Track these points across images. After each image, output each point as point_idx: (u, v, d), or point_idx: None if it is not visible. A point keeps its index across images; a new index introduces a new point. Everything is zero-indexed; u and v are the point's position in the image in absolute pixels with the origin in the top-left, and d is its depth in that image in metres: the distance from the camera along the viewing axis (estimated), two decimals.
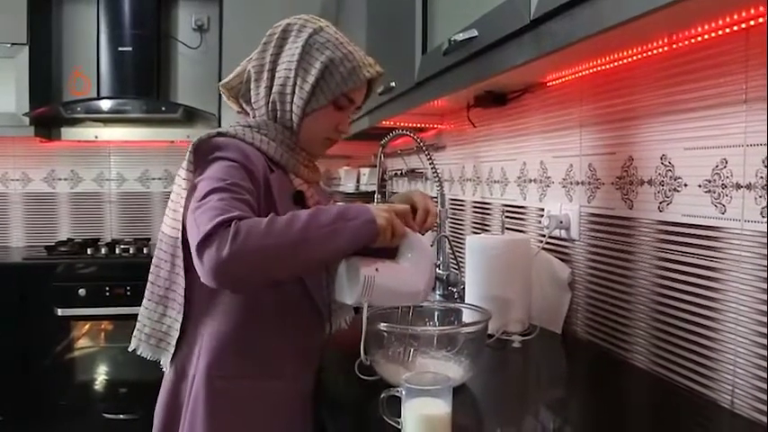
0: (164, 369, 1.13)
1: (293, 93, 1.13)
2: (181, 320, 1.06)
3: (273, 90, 1.14)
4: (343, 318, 1.23)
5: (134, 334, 1.11)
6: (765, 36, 0.89)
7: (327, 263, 1.03)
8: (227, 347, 1.07)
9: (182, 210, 1.03)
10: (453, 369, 1.08)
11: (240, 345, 1.07)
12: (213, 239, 0.88)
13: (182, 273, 1.05)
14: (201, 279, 0.92)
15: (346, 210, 0.97)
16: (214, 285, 0.91)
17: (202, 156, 1.06)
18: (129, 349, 1.11)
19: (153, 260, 1.10)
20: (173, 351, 1.08)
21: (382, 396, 0.90)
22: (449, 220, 2.30)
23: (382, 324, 1.08)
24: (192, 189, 1.02)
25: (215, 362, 1.06)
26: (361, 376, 1.09)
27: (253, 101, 1.17)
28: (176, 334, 1.07)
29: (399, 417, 0.88)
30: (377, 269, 1.00)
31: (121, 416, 2.82)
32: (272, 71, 1.15)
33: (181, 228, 1.03)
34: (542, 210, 1.61)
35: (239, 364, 1.07)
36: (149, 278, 1.10)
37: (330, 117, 1.16)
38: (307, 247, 0.92)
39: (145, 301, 1.11)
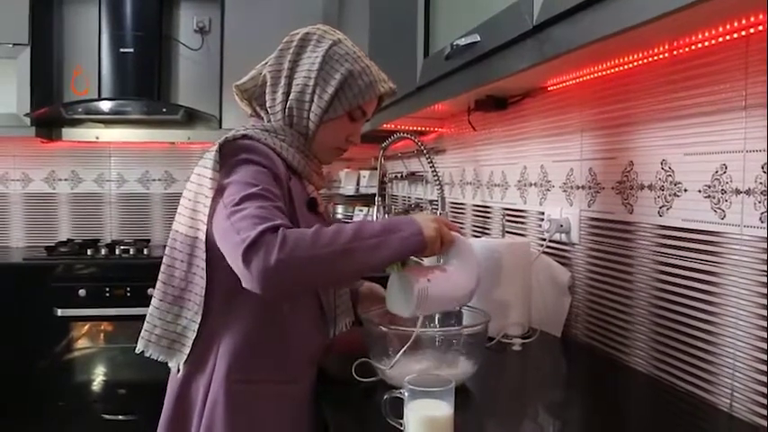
0: (176, 370, 1.11)
1: (311, 101, 1.14)
2: (199, 321, 1.06)
3: (291, 96, 1.15)
4: (344, 321, 1.24)
5: (141, 335, 1.10)
6: (765, 43, 0.90)
7: (370, 273, 1.05)
8: (246, 350, 1.08)
9: (204, 210, 1.04)
10: (454, 370, 1.09)
11: (259, 347, 1.09)
12: (260, 246, 0.91)
13: (200, 273, 1.05)
14: (244, 285, 0.93)
15: (392, 223, 1.00)
16: (259, 292, 0.93)
17: (228, 156, 1.07)
18: (137, 351, 1.10)
19: (165, 260, 1.10)
20: (188, 352, 1.08)
21: (385, 398, 0.91)
22: None
23: (383, 326, 1.09)
24: (219, 190, 1.03)
25: (235, 365, 1.07)
26: (358, 378, 1.10)
27: (268, 105, 1.18)
28: (193, 335, 1.07)
29: (402, 418, 0.89)
30: (429, 279, 1.01)
31: (120, 417, 2.82)
32: (290, 78, 1.16)
33: (204, 229, 1.04)
34: (542, 213, 1.61)
35: (258, 367, 1.09)
36: (161, 278, 1.10)
37: (343, 127, 1.19)
38: (351, 259, 0.95)
39: (156, 301, 1.10)
